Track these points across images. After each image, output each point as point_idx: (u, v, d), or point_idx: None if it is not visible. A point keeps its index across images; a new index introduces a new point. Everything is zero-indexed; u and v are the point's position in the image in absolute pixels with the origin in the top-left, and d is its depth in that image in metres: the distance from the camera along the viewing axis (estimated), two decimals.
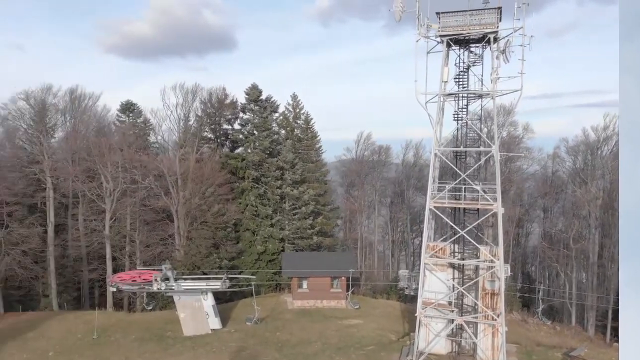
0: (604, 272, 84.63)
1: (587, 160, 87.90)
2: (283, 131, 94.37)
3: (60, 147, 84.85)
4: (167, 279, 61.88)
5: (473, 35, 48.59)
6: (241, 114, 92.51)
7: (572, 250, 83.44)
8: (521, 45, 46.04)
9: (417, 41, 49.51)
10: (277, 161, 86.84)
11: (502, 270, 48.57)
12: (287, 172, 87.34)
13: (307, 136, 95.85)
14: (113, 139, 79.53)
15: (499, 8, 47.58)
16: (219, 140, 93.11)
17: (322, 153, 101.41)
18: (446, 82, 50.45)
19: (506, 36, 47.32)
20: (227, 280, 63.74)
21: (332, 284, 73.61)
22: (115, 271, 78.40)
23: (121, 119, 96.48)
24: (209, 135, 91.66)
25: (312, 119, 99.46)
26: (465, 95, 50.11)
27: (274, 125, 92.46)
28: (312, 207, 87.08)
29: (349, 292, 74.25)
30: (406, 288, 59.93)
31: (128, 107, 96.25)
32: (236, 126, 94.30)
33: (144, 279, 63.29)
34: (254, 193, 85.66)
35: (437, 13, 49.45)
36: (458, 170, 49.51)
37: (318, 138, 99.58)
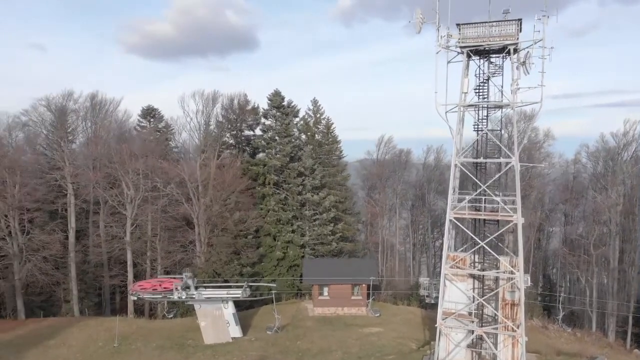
0: (625, 278, 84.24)
1: (608, 166, 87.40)
2: (304, 136, 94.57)
3: (82, 152, 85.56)
4: (188, 287, 62.34)
5: (493, 47, 48.49)
6: (263, 119, 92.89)
7: (592, 256, 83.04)
8: (541, 57, 45.98)
9: (437, 53, 49.51)
10: (298, 166, 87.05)
11: (522, 281, 48.44)
12: (307, 177, 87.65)
13: (328, 140, 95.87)
14: (134, 145, 79.86)
15: (519, 20, 47.51)
16: (240, 146, 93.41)
17: (343, 157, 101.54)
18: (466, 93, 50.37)
19: (526, 47, 47.31)
20: (248, 289, 63.93)
21: (352, 291, 73.63)
22: (136, 277, 79.22)
23: (142, 124, 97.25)
24: (230, 141, 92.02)
25: (332, 123, 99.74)
26: (485, 105, 50.03)
27: (294, 130, 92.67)
28: (333, 214, 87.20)
29: (370, 300, 74.24)
30: (427, 296, 59.96)
31: (149, 112, 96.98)
32: (257, 131, 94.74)
33: (164, 288, 63.65)
34: (275, 198, 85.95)
35: (458, 24, 49.42)
36: (478, 182, 49.46)
37: (339, 142, 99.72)
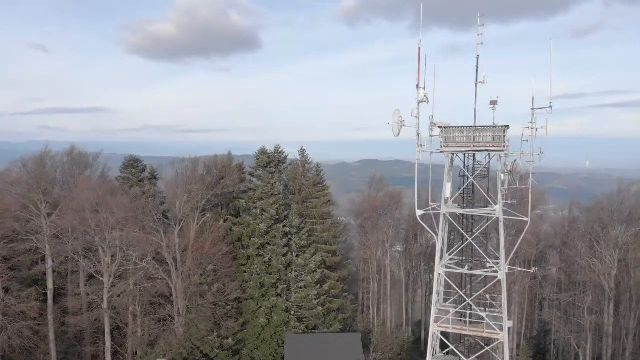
0: (621, 345, 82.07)
1: (602, 230, 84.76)
2: (291, 186, 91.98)
3: (59, 215, 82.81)
4: None
5: (478, 152, 45.98)
6: (248, 176, 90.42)
7: (586, 321, 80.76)
8: (532, 174, 43.77)
9: (417, 159, 46.98)
10: (283, 227, 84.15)
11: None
12: (294, 236, 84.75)
13: (317, 192, 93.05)
14: (113, 207, 76.77)
15: (506, 126, 44.86)
16: (222, 205, 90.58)
17: (332, 207, 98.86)
18: (448, 198, 47.86)
19: (512, 154, 44.81)
20: None
21: None
22: (116, 345, 77.15)
23: (124, 174, 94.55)
24: (212, 200, 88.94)
25: (322, 170, 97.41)
26: (470, 215, 47.48)
27: (281, 187, 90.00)
28: (319, 274, 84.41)
29: None
30: None
31: (131, 164, 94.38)
32: (244, 185, 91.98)
33: None
34: (258, 261, 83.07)
35: (440, 127, 46.88)
36: (463, 295, 46.93)
37: (328, 188, 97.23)
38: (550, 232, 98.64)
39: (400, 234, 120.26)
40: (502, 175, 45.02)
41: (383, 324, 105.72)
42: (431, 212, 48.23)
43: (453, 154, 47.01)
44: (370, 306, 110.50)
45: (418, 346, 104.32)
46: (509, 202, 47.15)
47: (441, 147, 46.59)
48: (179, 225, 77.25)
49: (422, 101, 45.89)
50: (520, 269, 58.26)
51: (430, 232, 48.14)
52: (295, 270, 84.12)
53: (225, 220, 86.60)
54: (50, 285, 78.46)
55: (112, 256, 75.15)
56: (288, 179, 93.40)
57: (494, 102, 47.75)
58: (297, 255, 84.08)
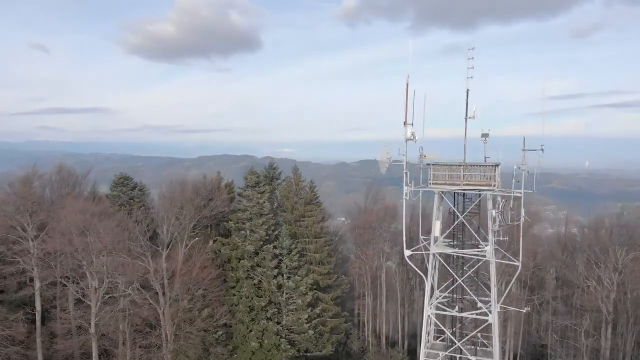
0: None
1: (603, 252, 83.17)
2: (284, 204, 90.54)
3: (46, 237, 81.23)
4: None
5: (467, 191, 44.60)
6: (237, 197, 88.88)
7: (583, 345, 79.32)
8: (523, 215, 42.39)
9: (405, 195, 45.59)
10: (274, 248, 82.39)
11: None
12: (284, 257, 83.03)
13: (309, 210, 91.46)
14: (100, 231, 75.07)
15: (497, 165, 43.55)
16: (211, 226, 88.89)
17: (325, 222, 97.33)
18: (438, 236, 46.48)
19: (503, 195, 43.41)
20: None
21: None
22: None
23: (115, 192, 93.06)
24: (201, 221, 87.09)
25: (315, 186, 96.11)
26: (461, 247, 46.10)
27: (274, 201, 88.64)
28: (310, 297, 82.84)
29: None
30: None
31: (121, 182, 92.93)
32: (234, 203, 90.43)
33: None
34: (248, 283, 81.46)
35: (428, 164, 45.56)
36: (452, 337, 45.54)
37: (321, 205, 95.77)
38: (547, 253, 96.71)
39: (396, 247, 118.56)
40: (493, 212, 43.65)
41: (378, 342, 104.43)
42: (422, 251, 47.05)
43: (443, 192, 45.80)
44: (365, 322, 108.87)
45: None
46: (501, 238, 45.90)
47: (430, 184, 45.36)
48: (167, 249, 75.71)
49: (409, 139, 44.60)
50: (513, 308, 56.80)
51: (420, 272, 46.79)
52: (286, 293, 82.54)
53: (214, 241, 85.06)
54: (38, 307, 76.99)
55: (99, 280, 73.68)
56: (281, 196, 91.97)
57: (485, 135, 46.56)
58: (288, 277, 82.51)
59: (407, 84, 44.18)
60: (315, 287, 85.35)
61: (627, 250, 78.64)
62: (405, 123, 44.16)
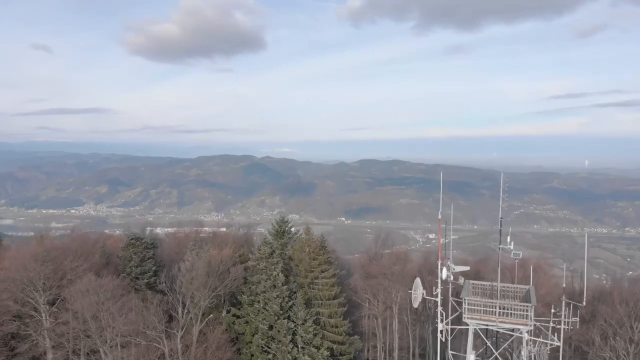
0: None
1: (619, 325, 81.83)
2: (295, 268, 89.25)
3: (59, 312, 79.88)
4: None
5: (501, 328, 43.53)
6: (250, 267, 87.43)
7: None
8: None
9: (440, 334, 44.47)
10: (287, 322, 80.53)
11: None
12: (299, 327, 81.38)
13: (321, 271, 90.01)
14: (115, 316, 73.40)
15: (532, 305, 42.43)
16: (224, 298, 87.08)
17: (337, 288, 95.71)
18: None
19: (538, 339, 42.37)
20: None
21: None
22: None
23: (126, 253, 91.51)
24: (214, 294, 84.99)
25: (326, 240, 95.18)
26: None
27: (285, 258, 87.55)
28: None
29: None
30: None
31: (132, 243, 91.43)
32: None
33: None
34: (263, 358, 79.97)
35: (462, 298, 44.41)
36: None
37: (332, 264, 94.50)
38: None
39: (408, 296, 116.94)
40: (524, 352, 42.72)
41: None
42: None
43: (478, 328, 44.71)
44: None
45: None
46: None
47: (465, 318, 44.29)
48: (182, 330, 74.51)
49: (444, 279, 43.49)
50: None
51: None
52: None
53: (228, 312, 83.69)
54: None
55: (113, 358, 72.75)
56: (293, 257, 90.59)
57: (516, 255, 45.62)
58: (303, 348, 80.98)
59: (440, 221, 43.11)
60: (330, 357, 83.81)
61: None
62: (441, 264, 43.07)
